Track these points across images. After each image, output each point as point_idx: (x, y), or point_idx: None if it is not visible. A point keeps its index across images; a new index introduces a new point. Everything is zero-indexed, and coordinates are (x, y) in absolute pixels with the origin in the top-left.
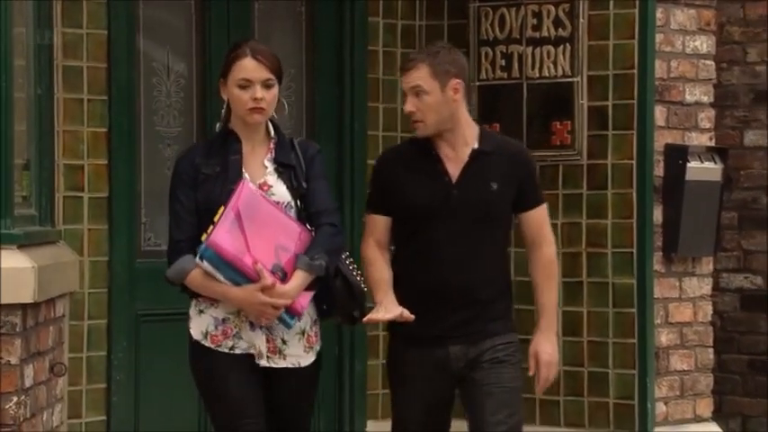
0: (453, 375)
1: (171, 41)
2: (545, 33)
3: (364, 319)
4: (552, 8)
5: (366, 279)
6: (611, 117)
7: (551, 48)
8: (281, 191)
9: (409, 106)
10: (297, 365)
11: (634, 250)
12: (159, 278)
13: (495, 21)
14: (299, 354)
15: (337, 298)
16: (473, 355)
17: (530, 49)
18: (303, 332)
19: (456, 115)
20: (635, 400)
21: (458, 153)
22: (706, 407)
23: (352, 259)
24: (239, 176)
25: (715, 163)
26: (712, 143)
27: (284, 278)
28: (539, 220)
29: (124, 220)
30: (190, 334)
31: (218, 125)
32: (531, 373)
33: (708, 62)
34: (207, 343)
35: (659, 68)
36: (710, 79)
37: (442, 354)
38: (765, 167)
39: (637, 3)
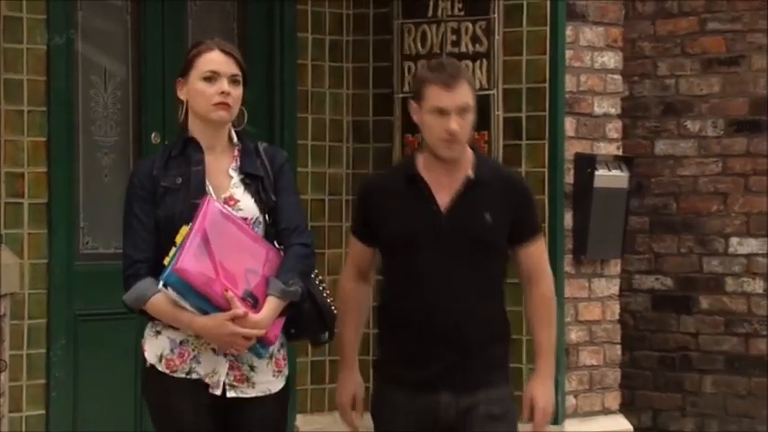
0: (442, 426)
1: (108, 52)
2: (463, 49)
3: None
4: (470, 25)
5: (338, 324)
6: (524, 128)
7: (469, 62)
8: (248, 205)
9: (455, 124)
10: (267, 393)
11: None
12: (97, 280)
13: (417, 37)
14: (268, 380)
15: (306, 321)
16: (465, 405)
17: None
18: (271, 356)
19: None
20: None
21: (451, 180)
22: (614, 400)
23: (321, 278)
24: (203, 190)
25: (622, 171)
26: (620, 152)
27: (255, 304)
28: (536, 254)
29: (63, 224)
30: (144, 357)
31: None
32: (524, 417)
33: (615, 76)
34: (161, 368)
35: (569, 82)
36: (618, 92)
37: (431, 401)
38: (675, 175)
39: (548, 21)
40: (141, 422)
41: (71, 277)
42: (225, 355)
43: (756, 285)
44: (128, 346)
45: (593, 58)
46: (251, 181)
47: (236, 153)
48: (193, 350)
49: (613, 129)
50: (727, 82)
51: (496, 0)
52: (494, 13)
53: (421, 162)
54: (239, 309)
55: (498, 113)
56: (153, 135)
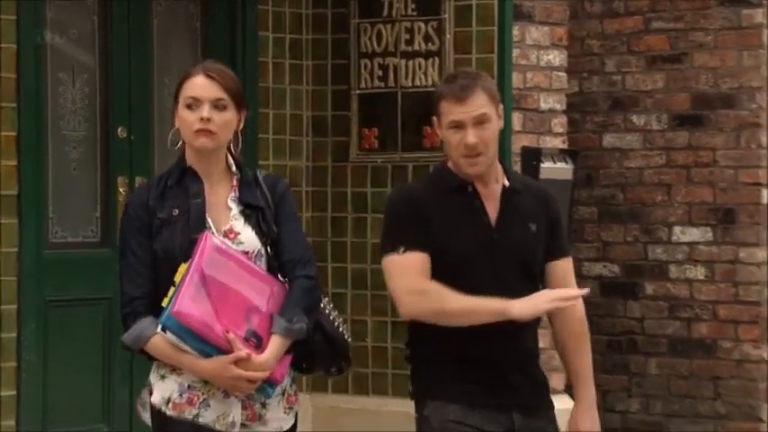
0: None
1: (76, 51)
2: (417, 47)
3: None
4: (423, 25)
5: (452, 307)
6: None
7: (422, 60)
8: (249, 238)
9: (473, 138)
10: (280, 429)
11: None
12: (65, 267)
13: (373, 36)
14: (280, 417)
15: (318, 355)
16: (534, 427)
17: (403, 62)
18: (283, 392)
19: (497, 146)
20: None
21: (491, 190)
22: (560, 381)
23: (332, 304)
24: (203, 224)
25: (566, 163)
26: (565, 146)
27: (259, 344)
28: (566, 270)
29: (32, 215)
30: (151, 402)
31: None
32: None
33: (560, 74)
34: (168, 411)
35: (516, 79)
36: (563, 89)
37: (507, 419)
38: (621, 167)
39: (496, 21)
40: (109, 401)
41: (41, 265)
42: (236, 396)
43: (698, 272)
44: (95, 329)
45: (539, 57)
46: (251, 212)
47: (234, 183)
48: (202, 394)
49: (558, 123)
50: (670, 78)
51: (447, 1)
52: (445, 14)
53: (458, 171)
54: (242, 351)
55: None
56: (119, 130)
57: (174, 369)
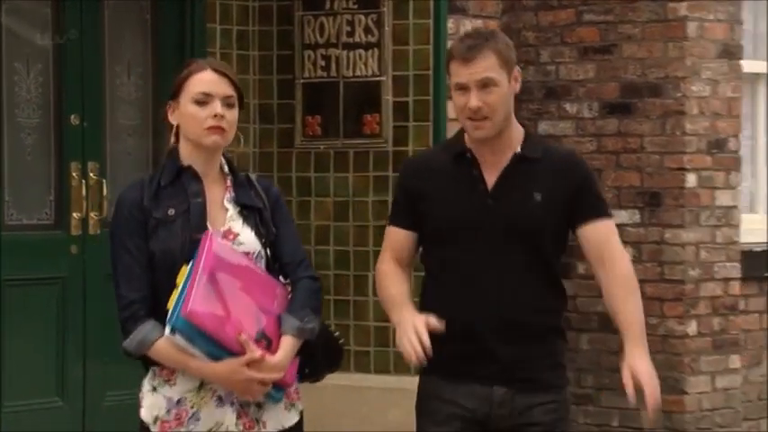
0: (489, 424)
1: (31, 41)
2: (357, 39)
3: (414, 359)
4: (363, 18)
5: (380, 294)
6: (411, 111)
7: (362, 51)
8: (249, 239)
9: (475, 101)
10: (281, 428)
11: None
12: (21, 248)
13: (316, 27)
14: (279, 415)
15: (320, 361)
16: (520, 406)
17: (345, 53)
18: None
19: (511, 112)
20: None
21: (498, 158)
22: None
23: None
24: (204, 224)
25: None
26: None
27: (269, 345)
28: (603, 231)
29: None
30: (139, 416)
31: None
32: (630, 399)
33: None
34: (155, 430)
35: None
36: None
37: (486, 393)
38: None
39: (431, 14)
40: (63, 377)
41: None
42: (231, 404)
43: (626, 252)
44: (50, 307)
45: None
46: (249, 213)
47: (228, 183)
48: (192, 407)
49: None
50: (600, 68)
51: None
52: (383, 7)
53: (468, 139)
54: (255, 352)
55: (388, 98)
56: (72, 117)
57: (168, 380)
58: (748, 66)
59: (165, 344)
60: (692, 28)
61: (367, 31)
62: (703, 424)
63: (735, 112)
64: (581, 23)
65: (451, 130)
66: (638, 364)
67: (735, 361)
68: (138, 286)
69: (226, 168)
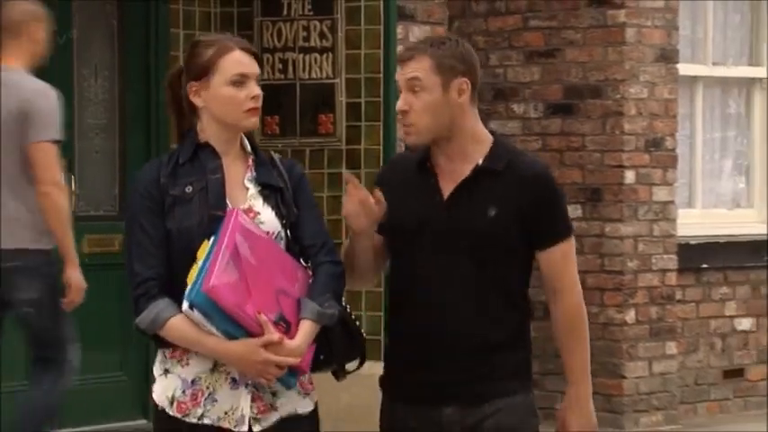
0: None
1: None
2: (313, 43)
3: (345, 176)
4: (318, 23)
5: (346, 261)
6: (363, 111)
7: (317, 55)
8: (269, 219)
9: (401, 104)
10: (294, 413)
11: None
12: None
13: (274, 32)
14: (294, 402)
15: (336, 348)
16: (471, 421)
17: (301, 56)
18: None
19: (458, 123)
20: (381, 335)
21: (456, 168)
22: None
23: (344, 301)
24: (223, 201)
25: None
26: None
27: (288, 329)
28: (556, 260)
29: None
30: (153, 399)
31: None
32: None
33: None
34: (172, 411)
35: None
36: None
37: (435, 416)
38: None
39: (382, 21)
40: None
41: None
42: (246, 386)
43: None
44: None
45: None
46: (270, 192)
47: (249, 162)
48: (207, 388)
49: None
50: (545, 71)
51: (339, 2)
52: (337, 14)
53: (433, 146)
54: (274, 334)
55: (342, 99)
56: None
57: (180, 360)
58: (687, 69)
59: (180, 322)
60: (630, 33)
61: (322, 36)
62: (641, 406)
63: (671, 113)
64: (527, 29)
65: (401, 130)
66: (570, 419)
67: (671, 347)
68: (153, 263)
69: (248, 147)
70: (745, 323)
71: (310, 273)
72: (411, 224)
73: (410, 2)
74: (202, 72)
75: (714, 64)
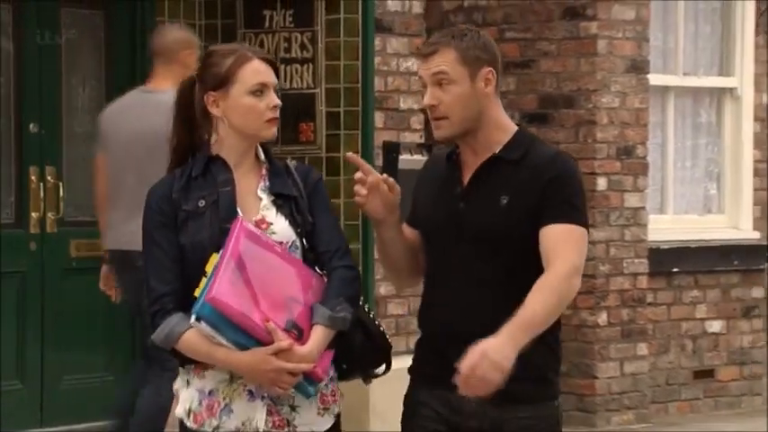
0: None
1: None
2: (294, 54)
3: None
4: (299, 35)
5: (383, 261)
6: (342, 120)
7: (298, 66)
8: (282, 228)
9: (429, 98)
10: (312, 431)
11: (359, 222)
12: None
13: (256, 44)
14: (311, 420)
15: (358, 354)
16: (491, 419)
17: (282, 67)
18: (317, 391)
19: (486, 113)
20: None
21: (478, 160)
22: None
23: (368, 306)
24: (233, 213)
25: (423, 155)
26: (422, 140)
27: (300, 336)
28: (555, 235)
29: None
30: (176, 414)
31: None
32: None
33: (418, 78)
34: (189, 423)
35: (378, 83)
36: (420, 91)
37: (458, 403)
38: None
39: (360, 33)
40: (23, 362)
41: None
42: (262, 398)
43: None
44: (11, 300)
45: (399, 63)
46: (283, 202)
47: (263, 172)
48: (224, 399)
49: (416, 121)
50: (521, 81)
51: (319, 15)
52: (317, 26)
53: (462, 142)
54: (284, 341)
55: (322, 108)
56: (31, 125)
57: (199, 372)
58: (658, 79)
59: (192, 335)
60: (602, 45)
61: (302, 47)
62: (612, 406)
63: (642, 122)
64: (503, 40)
65: (379, 139)
66: (491, 343)
67: (642, 348)
68: (168, 279)
69: (262, 156)
70: (715, 325)
71: (325, 280)
72: (435, 218)
73: (387, 15)
74: (221, 82)
75: (685, 74)
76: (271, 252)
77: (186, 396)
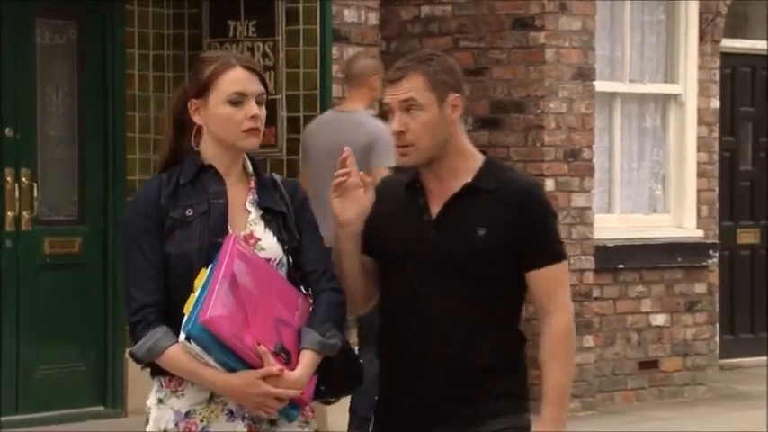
0: None
1: None
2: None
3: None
4: (261, 44)
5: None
6: (302, 125)
7: None
8: (271, 245)
9: (398, 125)
10: None
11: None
12: None
13: None
14: (292, 430)
15: (337, 378)
16: None
17: None
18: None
19: (451, 140)
20: None
21: (446, 187)
22: None
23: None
24: (224, 228)
25: None
26: None
27: (288, 360)
28: (548, 281)
29: None
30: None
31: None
32: None
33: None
34: None
35: (336, 90)
36: (375, 97)
37: None
38: None
39: (318, 43)
40: None
41: None
42: (243, 418)
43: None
44: None
45: None
46: (272, 217)
47: (251, 185)
48: (201, 421)
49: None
50: (474, 88)
51: (280, 25)
52: (278, 36)
53: (424, 169)
54: (274, 366)
55: (283, 114)
56: (7, 130)
57: (176, 391)
58: (605, 86)
59: (177, 351)
60: (549, 54)
61: (264, 56)
62: None
63: (588, 126)
64: (458, 49)
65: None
66: None
67: (588, 341)
68: (151, 289)
69: (250, 168)
70: (659, 319)
71: (311, 300)
72: (399, 246)
73: (344, 26)
74: (201, 90)
75: (632, 81)
76: (261, 272)
77: (160, 415)
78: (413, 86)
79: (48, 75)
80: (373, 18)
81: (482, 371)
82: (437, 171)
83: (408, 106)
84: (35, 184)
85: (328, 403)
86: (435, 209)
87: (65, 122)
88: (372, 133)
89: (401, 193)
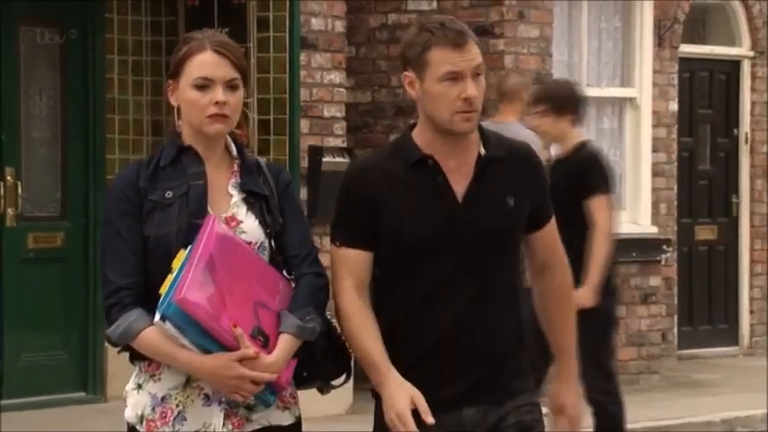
0: None
1: None
2: None
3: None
4: None
5: (351, 343)
6: (272, 127)
7: None
8: (252, 228)
9: (473, 90)
10: (271, 425)
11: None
12: None
13: None
14: (270, 413)
15: (320, 363)
16: (493, 419)
17: None
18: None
19: None
20: None
21: (460, 161)
22: None
23: (330, 314)
24: (204, 209)
25: (344, 158)
26: (344, 145)
27: (266, 343)
28: (552, 237)
29: None
30: (125, 418)
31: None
32: (552, 431)
33: (340, 89)
34: (141, 429)
35: (304, 94)
36: (342, 101)
37: (455, 420)
38: None
39: (287, 49)
40: None
41: None
42: (219, 403)
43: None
44: None
45: (323, 76)
46: (255, 200)
47: (235, 168)
48: (177, 406)
49: (339, 128)
50: None
51: (251, 33)
52: (250, 42)
53: (421, 141)
54: (250, 348)
55: (254, 116)
56: None
57: (153, 375)
58: None
59: (152, 334)
60: (508, 60)
61: None
62: None
63: None
64: None
65: (305, 143)
66: (567, 398)
67: None
68: (128, 272)
69: (234, 151)
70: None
71: (293, 285)
72: (424, 228)
73: (312, 33)
74: (174, 71)
75: (589, 85)
76: (240, 254)
77: (137, 400)
78: (478, 51)
79: (32, 79)
80: (340, 26)
81: (511, 346)
82: (461, 142)
83: (477, 72)
84: (20, 183)
85: (322, 392)
86: (459, 186)
87: (48, 124)
88: (528, 141)
89: (405, 173)
